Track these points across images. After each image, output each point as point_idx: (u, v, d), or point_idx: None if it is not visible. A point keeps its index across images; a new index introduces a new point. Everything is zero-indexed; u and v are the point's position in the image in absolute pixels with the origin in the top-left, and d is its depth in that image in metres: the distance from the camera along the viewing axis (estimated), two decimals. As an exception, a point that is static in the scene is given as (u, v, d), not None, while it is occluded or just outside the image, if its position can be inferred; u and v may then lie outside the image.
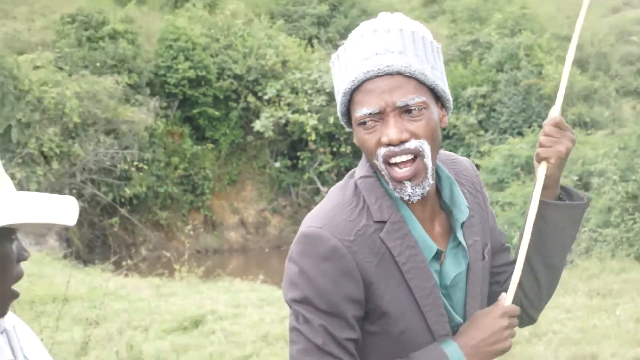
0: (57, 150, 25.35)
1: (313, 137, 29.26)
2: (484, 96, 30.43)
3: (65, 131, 25.72)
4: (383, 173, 2.74)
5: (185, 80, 29.02)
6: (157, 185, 27.90)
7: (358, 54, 2.70)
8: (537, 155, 2.89)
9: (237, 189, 30.89)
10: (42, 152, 25.25)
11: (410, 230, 2.78)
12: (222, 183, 30.43)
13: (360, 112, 2.68)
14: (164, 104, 29.02)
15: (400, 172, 2.69)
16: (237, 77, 30.16)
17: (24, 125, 25.21)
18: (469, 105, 29.93)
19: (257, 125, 29.31)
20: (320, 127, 29.28)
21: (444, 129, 3.07)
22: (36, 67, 26.43)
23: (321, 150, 29.95)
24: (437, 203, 2.89)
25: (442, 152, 2.99)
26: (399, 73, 2.65)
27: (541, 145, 2.88)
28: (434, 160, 2.74)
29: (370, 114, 2.67)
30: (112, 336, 11.16)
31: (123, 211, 26.51)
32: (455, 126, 29.08)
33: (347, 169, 29.82)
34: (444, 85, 2.75)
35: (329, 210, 2.79)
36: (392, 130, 2.65)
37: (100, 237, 26.73)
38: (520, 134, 28.10)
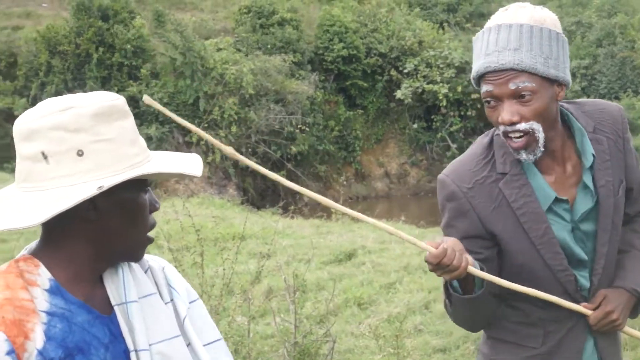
0: (236, 117, 25.58)
1: (444, 103, 29.06)
2: (586, 67, 30.00)
3: (242, 101, 25.93)
4: (504, 140, 2.77)
5: (339, 58, 29.18)
6: (317, 144, 27.97)
7: (483, 47, 2.71)
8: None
9: (382, 146, 30.83)
10: (223, 118, 25.49)
11: (528, 181, 2.78)
12: (370, 142, 30.40)
13: (483, 91, 2.71)
14: (322, 78, 29.06)
15: (514, 144, 2.71)
16: (382, 55, 30.15)
17: (209, 96, 25.51)
18: (573, 75, 29.33)
19: (398, 94, 29.34)
20: (450, 94, 29.04)
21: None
22: (219, 49, 26.71)
23: (451, 113, 29.67)
24: (573, 149, 2.85)
25: (592, 101, 3.00)
26: (511, 68, 2.65)
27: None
28: (547, 131, 2.72)
29: (491, 96, 2.69)
30: (281, 267, 11.15)
31: (289, 165, 26.65)
32: (563, 93, 28.54)
33: (473, 129, 29.48)
34: (558, 70, 2.69)
35: (458, 161, 2.88)
36: (505, 113, 2.67)
37: (270, 187, 26.94)
38: (617, 97, 27.64)
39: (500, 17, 2.73)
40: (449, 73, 29.05)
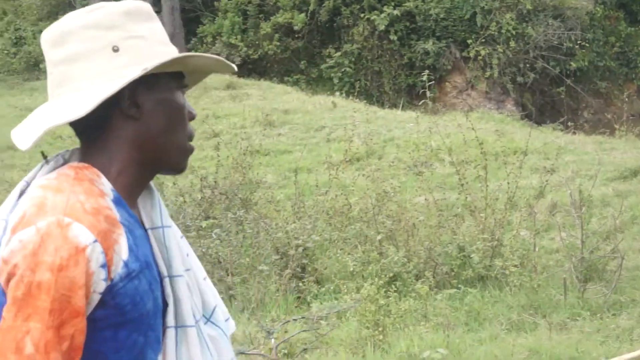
0: (513, 32, 25.09)
1: None
2: None
3: (520, 16, 25.34)
4: None
5: (622, -28, 27.81)
6: (597, 60, 26.99)
7: None
8: None
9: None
10: (501, 34, 25.09)
11: None
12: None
13: None
14: (603, -8, 27.90)
15: None
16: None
17: (486, 11, 25.10)
18: None
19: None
20: None
21: None
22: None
23: None
24: None
25: None
26: None
27: None
28: None
29: None
30: (565, 182, 10.95)
31: (568, 82, 25.90)
32: None
33: None
34: None
35: None
36: None
37: (549, 103, 26.37)
38: None
39: None
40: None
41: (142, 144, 1.94)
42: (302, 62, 25.41)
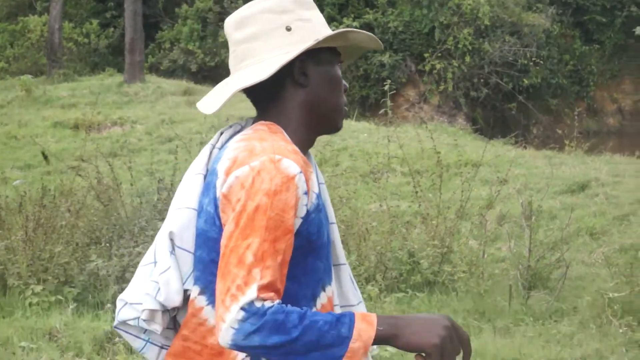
0: (470, 47, 25.46)
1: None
2: None
3: (477, 31, 25.74)
4: None
5: (578, -9, 28.30)
6: (550, 77, 27.46)
7: None
8: None
9: (616, 82, 29.91)
10: (457, 48, 25.45)
11: None
12: (604, 77, 29.53)
13: None
14: (560, 11, 28.34)
15: None
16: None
17: (445, 26, 25.47)
18: None
19: (638, 30, 28.11)
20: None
21: None
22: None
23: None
24: None
25: None
26: None
27: None
28: None
29: None
30: (513, 194, 11.23)
31: (520, 98, 26.33)
32: None
33: None
34: None
35: None
36: None
37: (500, 118, 26.77)
38: None
39: None
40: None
41: (311, 107, 2.35)
42: (258, 71, 25.56)
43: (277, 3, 2.35)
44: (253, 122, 2.38)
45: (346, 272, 2.43)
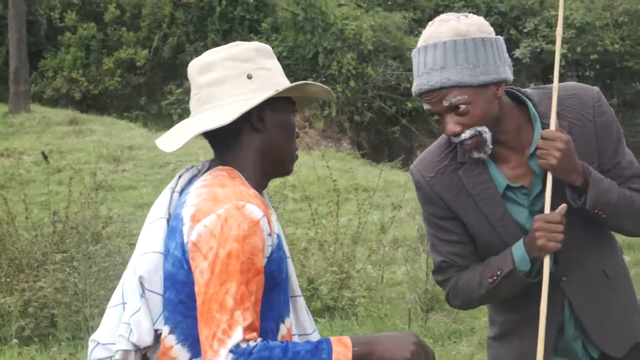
0: (354, 72, 25.81)
1: (563, 63, 28.76)
2: None
3: (361, 56, 26.12)
4: None
5: (458, 16, 28.89)
6: (432, 101, 28.03)
7: (416, 68, 2.88)
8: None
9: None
10: (341, 73, 25.77)
11: (487, 169, 2.96)
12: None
13: (425, 108, 2.90)
14: (439, 35, 28.96)
15: (464, 147, 2.89)
16: (502, 14, 29.79)
17: (328, 51, 25.76)
18: None
19: (517, 53, 29.06)
20: (569, 55, 28.64)
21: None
22: (340, 5, 26.91)
23: (569, 74, 29.37)
24: (532, 135, 2.96)
25: (567, 85, 3.10)
26: (441, 87, 2.81)
27: (539, 157, 2.89)
28: (493, 129, 2.87)
29: (432, 113, 2.88)
30: (406, 218, 11.46)
31: (403, 121, 26.77)
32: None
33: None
34: (488, 74, 2.82)
35: (427, 151, 3.10)
36: (447, 127, 2.85)
37: (384, 142, 27.14)
38: None
39: (427, 34, 2.89)
40: (569, 33, 28.65)
41: (266, 152, 2.52)
42: (142, 98, 25.43)
43: (239, 51, 2.54)
44: (209, 165, 2.55)
45: (302, 303, 2.59)
